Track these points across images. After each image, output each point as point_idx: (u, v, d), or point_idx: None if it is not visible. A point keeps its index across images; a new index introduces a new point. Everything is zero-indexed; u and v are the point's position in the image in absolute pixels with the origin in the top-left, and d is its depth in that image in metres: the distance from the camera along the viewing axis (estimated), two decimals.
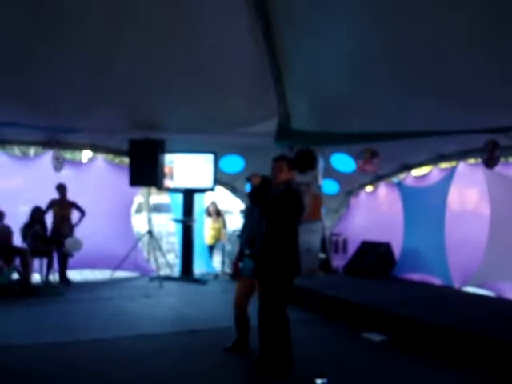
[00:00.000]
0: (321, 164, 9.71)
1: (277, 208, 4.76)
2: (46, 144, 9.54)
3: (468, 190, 9.33)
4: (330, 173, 10.19)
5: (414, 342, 6.10)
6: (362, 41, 5.88)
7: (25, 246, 9.00)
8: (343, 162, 10.18)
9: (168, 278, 10.07)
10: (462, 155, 8.94)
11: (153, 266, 10.41)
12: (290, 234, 4.88)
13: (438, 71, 5.78)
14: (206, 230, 11.74)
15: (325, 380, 2.29)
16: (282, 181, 4.92)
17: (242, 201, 11.80)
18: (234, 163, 10.62)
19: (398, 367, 5.35)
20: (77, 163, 12.17)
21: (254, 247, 5.30)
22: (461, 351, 5.59)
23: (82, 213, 9.66)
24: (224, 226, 11.92)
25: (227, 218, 12.82)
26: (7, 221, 9.01)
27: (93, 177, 10.22)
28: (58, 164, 9.56)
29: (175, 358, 5.53)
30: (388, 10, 5.20)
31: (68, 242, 9.27)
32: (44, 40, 5.90)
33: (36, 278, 9.22)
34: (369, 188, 11.47)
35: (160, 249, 10.43)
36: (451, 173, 9.12)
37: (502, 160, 7.97)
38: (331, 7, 5.50)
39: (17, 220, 9.09)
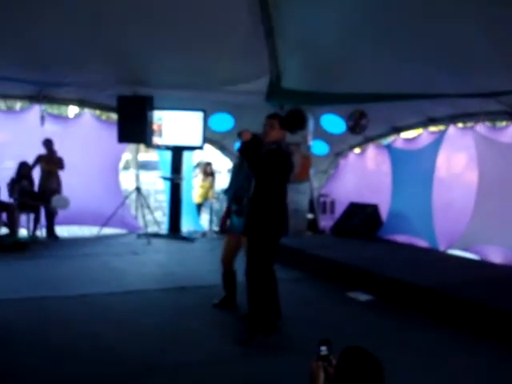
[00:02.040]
0: (311, 124, 9.68)
1: (266, 166, 4.74)
2: (34, 98, 9.38)
3: (457, 154, 9.35)
4: (320, 133, 10.16)
5: (399, 302, 6.20)
6: (356, 0, 5.79)
7: (11, 201, 8.94)
8: (333, 122, 10.14)
9: (156, 236, 10.09)
10: (452, 119, 8.92)
11: (140, 223, 10.41)
12: (279, 193, 4.88)
13: (432, 35, 5.73)
14: (194, 188, 11.73)
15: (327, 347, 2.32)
16: (273, 138, 4.88)
17: (231, 160, 11.76)
18: (223, 121, 10.53)
19: (383, 327, 5.44)
20: (64, 118, 12.01)
21: (240, 204, 5.32)
22: (444, 312, 5.70)
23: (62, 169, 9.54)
24: (213, 184, 11.90)
25: (216, 176, 12.80)
26: None
27: (80, 132, 10.07)
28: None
29: (164, 315, 5.58)
30: None
31: (54, 200, 9.23)
32: None
33: (23, 233, 9.21)
34: (358, 149, 11.46)
35: (148, 206, 10.41)
36: (440, 136, 9.12)
37: (491, 124, 7.98)
38: None
39: (2, 175, 9.01)
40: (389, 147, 10.48)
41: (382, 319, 5.73)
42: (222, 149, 11.55)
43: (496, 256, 8.14)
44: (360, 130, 9.79)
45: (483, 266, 7.97)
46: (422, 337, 5.15)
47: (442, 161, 9.24)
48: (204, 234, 10.86)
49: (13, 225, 8.72)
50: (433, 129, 9.66)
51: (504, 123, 8.73)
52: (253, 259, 4.87)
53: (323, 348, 2.33)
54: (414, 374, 4.20)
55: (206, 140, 10.35)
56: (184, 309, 5.83)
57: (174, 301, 6.15)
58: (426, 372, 4.28)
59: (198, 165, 12.40)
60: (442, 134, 9.16)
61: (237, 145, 5.19)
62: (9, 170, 9.09)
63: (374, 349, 2.24)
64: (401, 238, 9.79)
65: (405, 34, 6.06)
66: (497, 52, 5.76)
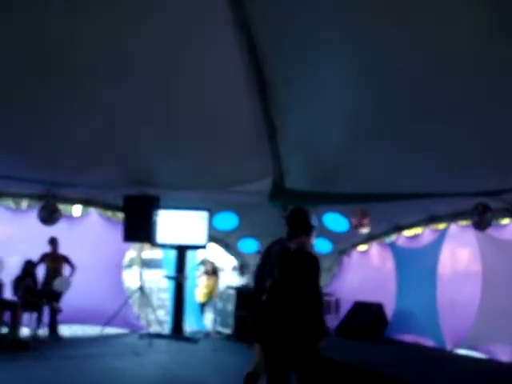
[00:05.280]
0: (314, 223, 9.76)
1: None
2: (42, 197, 9.58)
3: (460, 251, 9.39)
4: (323, 232, 10.25)
5: None
6: (356, 104, 6.05)
7: (15, 299, 8.91)
8: (336, 221, 10.25)
9: (158, 336, 9.94)
10: (453, 217, 9.04)
11: (143, 322, 10.29)
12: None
13: (430, 137, 5.95)
14: (198, 288, 11.67)
15: None
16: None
17: (235, 258, 11.80)
18: (227, 220, 10.66)
19: None
20: (71, 217, 12.17)
21: None
22: None
23: (73, 268, 9.63)
24: (217, 283, 11.86)
25: (220, 275, 12.76)
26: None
27: (86, 231, 10.20)
28: (50, 216, 9.53)
29: None
30: (380, 75, 5.40)
31: (56, 282, 9.22)
32: (46, 92, 5.97)
33: (24, 331, 9.10)
34: (361, 247, 11.50)
35: (151, 305, 10.33)
36: (443, 234, 9.20)
37: (493, 222, 8.08)
38: (328, 71, 5.69)
39: (7, 272, 9.03)
40: (392, 245, 10.54)
41: None
42: (226, 247, 11.62)
43: (504, 355, 7.98)
44: (363, 229, 9.86)
45: (491, 364, 7.79)
46: None
47: (446, 258, 9.27)
48: (207, 335, 10.69)
49: (15, 323, 8.63)
50: (435, 226, 9.76)
51: (505, 221, 8.83)
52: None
53: None
54: None
55: (210, 238, 10.44)
56: None
57: None
58: None
59: (202, 263, 12.39)
60: (444, 231, 9.25)
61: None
62: (13, 267, 9.11)
63: None
64: (407, 338, 9.62)
65: (404, 136, 6.28)
66: (496, 152, 5.95)
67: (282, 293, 4.62)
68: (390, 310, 10.10)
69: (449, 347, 8.78)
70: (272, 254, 4.92)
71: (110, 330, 10.10)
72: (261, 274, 5.47)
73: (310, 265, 4.63)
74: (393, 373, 6.81)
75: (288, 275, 4.63)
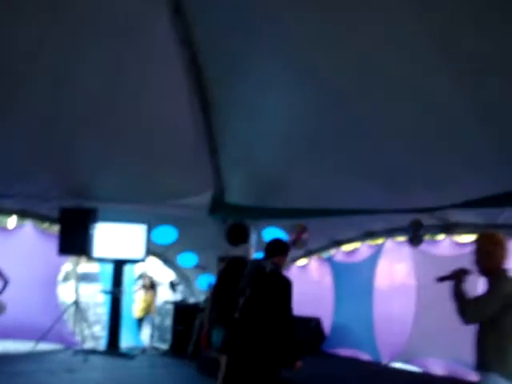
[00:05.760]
0: (253, 237, 9.80)
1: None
2: None
3: (395, 266, 9.60)
4: (263, 246, 10.27)
5: None
6: (296, 121, 6.15)
7: None
8: (275, 235, 10.29)
9: (93, 352, 9.68)
10: (389, 233, 9.25)
11: (78, 338, 10.01)
12: None
13: (368, 155, 6.10)
14: (136, 302, 11.47)
15: None
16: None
17: (174, 272, 11.67)
18: (166, 234, 10.54)
19: None
20: (5, 228, 11.75)
21: None
22: None
23: (6, 281, 9.28)
24: (155, 298, 11.69)
25: (158, 289, 12.59)
26: None
27: (20, 243, 9.86)
28: None
29: None
30: (318, 92, 5.52)
31: None
32: None
33: None
34: (300, 262, 11.59)
35: (86, 320, 10.08)
36: (379, 249, 9.41)
37: (427, 238, 8.32)
38: (269, 89, 5.76)
39: None
40: (330, 260, 10.68)
41: None
42: (165, 261, 11.49)
43: (438, 368, 8.19)
44: (301, 245, 9.96)
45: (425, 378, 7.97)
46: None
47: (382, 273, 9.46)
48: (144, 350, 10.50)
49: None
50: (371, 242, 9.95)
51: (438, 237, 9.09)
52: None
53: None
54: None
55: (148, 252, 10.30)
56: None
57: None
58: None
59: (140, 277, 12.21)
60: (380, 246, 9.45)
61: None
62: None
63: None
64: (345, 352, 9.75)
65: (342, 154, 6.41)
66: (431, 172, 6.15)
67: (252, 313, 4.76)
68: (327, 324, 10.21)
69: (384, 361, 8.95)
70: (245, 273, 5.02)
71: (44, 346, 9.77)
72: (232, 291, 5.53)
73: (282, 288, 4.80)
74: None
75: (260, 297, 4.79)
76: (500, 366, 3.72)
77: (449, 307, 3.84)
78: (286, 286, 4.83)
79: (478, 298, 3.85)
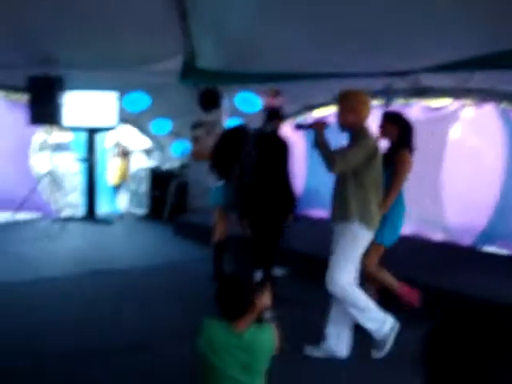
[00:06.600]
0: (225, 103, 9.73)
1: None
2: None
3: None
4: (236, 112, 10.25)
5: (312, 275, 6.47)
6: None
7: None
8: (248, 101, 10.24)
9: (71, 219, 9.90)
10: None
11: (54, 207, 10.17)
12: None
13: (341, 16, 5.93)
14: (111, 170, 11.55)
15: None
16: None
17: (149, 139, 11.66)
18: (138, 101, 10.39)
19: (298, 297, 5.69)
20: None
21: None
22: None
23: None
24: (128, 165, 11.77)
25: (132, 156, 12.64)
26: None
27: None
28: None
29: (81, 302, 5.54)
30: None
31: None
32: None
33: None
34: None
35: (62, 189, 10.19)
36: None
37: (400, 102, 8.38)
38: None
39: None
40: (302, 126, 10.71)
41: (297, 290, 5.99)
42: (140, 128, 11.43)
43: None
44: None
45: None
46: None
47: None
48: (121, 216, 10.77)
49: None
50: None
51: (411, 100, 9.12)
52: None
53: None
54: None
55: (121, 120, 10.21)
56: (100, 294, 5.79)
57: (90, 286, 6.10)
58: None
59: (116, 146, 12.21)
60: None
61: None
62: None
63: None
64: (314, 213, 10.13)
65: (315, 14, 6.22)
66: (404, 35, 6.04)
67: (263, 172, 5.64)
68: (300, 187, 10.49)
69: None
70: (249, 137, 6.02)
71: (21, 216, 9.94)
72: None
73: (283, 148, 5.86)
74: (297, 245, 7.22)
75: (266, 156, 5.69)
76: (362, 216, 4.06)
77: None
78: (286, 146, 5.85)
79: (344, 149, 4.11)
